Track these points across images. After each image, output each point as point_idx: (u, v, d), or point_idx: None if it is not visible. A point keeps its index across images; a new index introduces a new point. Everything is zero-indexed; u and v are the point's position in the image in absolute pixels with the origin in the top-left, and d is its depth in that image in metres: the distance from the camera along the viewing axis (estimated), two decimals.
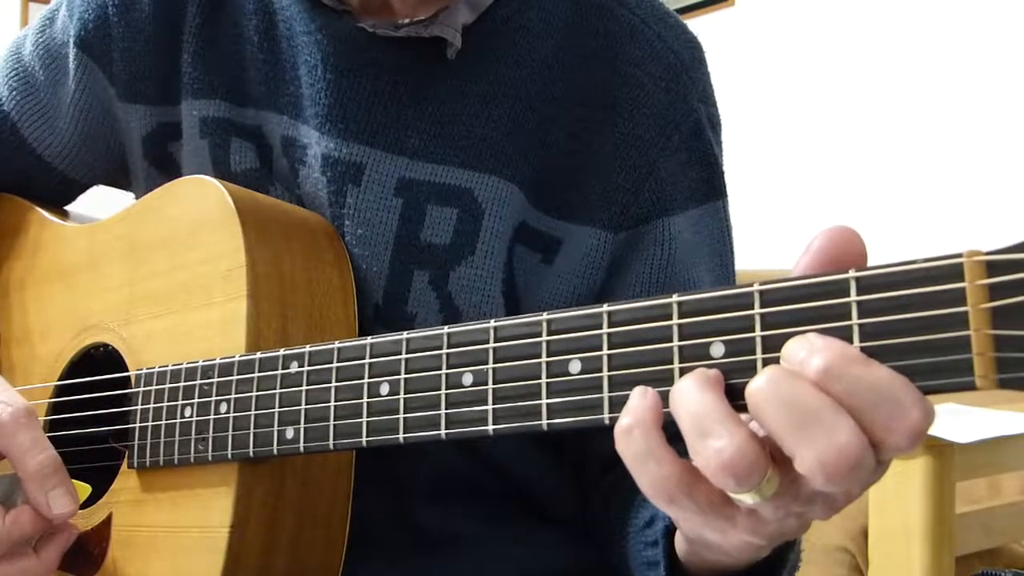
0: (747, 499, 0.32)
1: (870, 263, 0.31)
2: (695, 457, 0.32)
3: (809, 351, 0.31)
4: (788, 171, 2.54)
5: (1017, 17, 2.14)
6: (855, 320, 0.30)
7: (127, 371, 0.59)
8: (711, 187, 0.60)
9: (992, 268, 0.28)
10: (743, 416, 0.32)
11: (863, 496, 1.24)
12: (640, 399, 0.34)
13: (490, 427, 0.40)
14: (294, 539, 0.53)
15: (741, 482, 0.31)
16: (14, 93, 0.70)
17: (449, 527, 0.60)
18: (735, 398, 0.33)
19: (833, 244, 0.32)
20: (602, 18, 0.60)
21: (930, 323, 0.29)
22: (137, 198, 0.71)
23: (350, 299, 0.58)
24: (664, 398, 0.34)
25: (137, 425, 0.56)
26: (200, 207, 0.58)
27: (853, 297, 0.31)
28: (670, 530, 0.45)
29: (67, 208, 0.76)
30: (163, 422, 0.55)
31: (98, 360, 0.64)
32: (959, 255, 0.29)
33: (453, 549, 0.60)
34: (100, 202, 0.79)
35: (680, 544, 0.43)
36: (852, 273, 0.31)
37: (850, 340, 0.31)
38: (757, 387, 0.31)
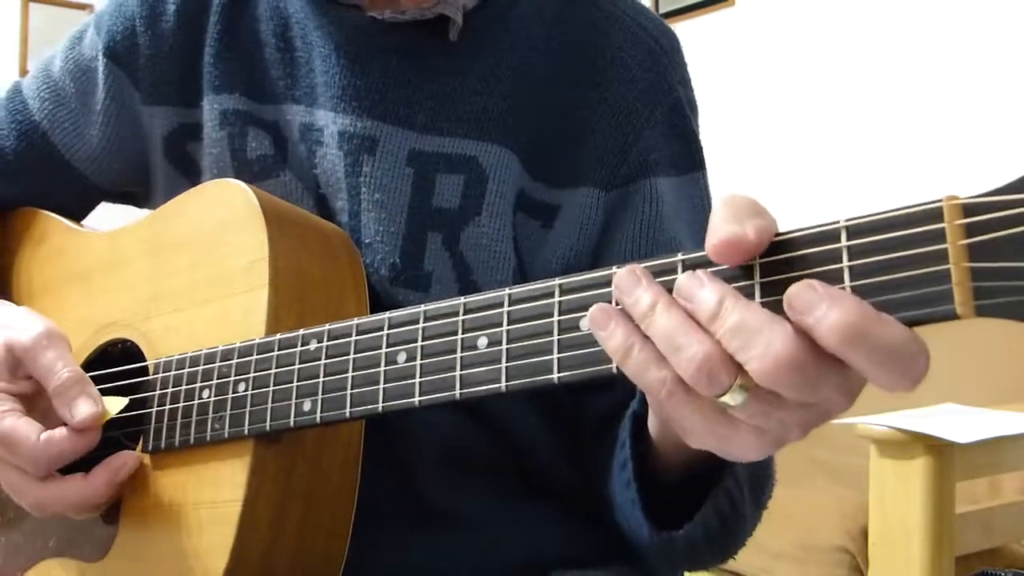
0: (728, 400, 0.35)
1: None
2: (677, 369, 0.35)
3: (829, 303, 0.32)
4: (788, 170, 2.57)
5: (1015, 16, 2.18)
6: (846, 263, 0.33)
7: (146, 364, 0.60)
8: (691, 160, 0.65)
9: (968, 210, 0.30)
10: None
11: (863, 496, 1.23)
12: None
13: (503, 384, 0.42)
14: (302, 517, 0.54)
15: (713, 381, 0.34)
16: (45, 103, 0.73)
17: (456, 504, 0.62)
18: None
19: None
20: (588, 11, 0.66)
21: (913, 260, 0.31)
22: (155, 204, 0.73)
23: (363, 302, 0.60)
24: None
25: (154, 409, 0.58)
26: (225, 208, 0.60)
27: (844, 243, 0.33)
28: (637, 417, 0.49)
29: (83, 223, 0.78)
30: (180, 404, 0.56)
31: (115, 356, 0.65)
32: (939, 200, 0.31)
33: (459, 526, 0.62)
34: (106, 221, 0.81)
35: (653, 424, 0.47)
36: (843, 222, 0.33)
37: (842, 280, 0.33)
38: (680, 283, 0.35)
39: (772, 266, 0.35)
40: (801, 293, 0.32)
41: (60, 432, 0.54)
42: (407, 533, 0.61)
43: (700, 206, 0.65)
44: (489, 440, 0.62)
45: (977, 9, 2.26)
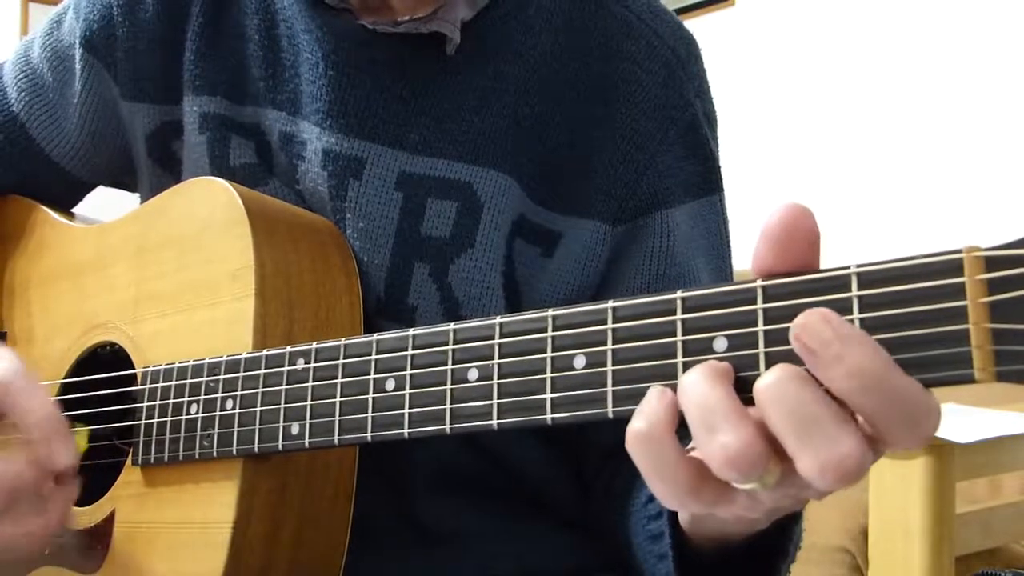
0: (748, 487, 0.32)
1: (871, 260, 0.32)
2: (700, 448, 0.32)
3: (842, 344, 0.30)
4: (787, 171, 2.55)
5: (1016, 17, 2.15)
6: (856, 315, 0.31)
7: (133, 369, 0.59)
8: (708, 181, 0.62)
9: (990, 263, 0.28)
10: (751, 409, 0.32)
11: (863, 496, 1.23)
12: (657, 401, 0.34)
13: (494, 421, 0.40)
14: (296, 538, 0.53)
15: (744, 476, 0.31)
16: (23, 94, 0.71)
17: (451, 522, 0.61)
18: (741, 391, 0.33)
19: (786, 223, 0.33)
20: (600, 15, 0.61)
21: (930, 317, 0.29)
22: (142, 198, 0.72)
23: (356, 302, 0.58)
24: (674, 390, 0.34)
25: (143, 422, 0.57)
26: (209, 208, 0.58)
27: (854, 292, 0.31)
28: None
29: (73, 211, 0.77)
30: (169, 419, 0.55)
31: (104, 359, 0.64)
32: (958, 251, 0.29)
33: (454, 544, 0.61)
34: (104, 205, 0.80)
35: (682, 514, 0.44)
36: (854, 268, 0.31)
37: None
38: (764, 386, 0.31)
39: (776, 312, 0.33)
40: (814, 325, 0.30)
41: (30, 469, 0.50)
42: (401, 550, 0.60)
43: (716, 231, 0.62)
44: (483, 458, 0.60)
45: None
